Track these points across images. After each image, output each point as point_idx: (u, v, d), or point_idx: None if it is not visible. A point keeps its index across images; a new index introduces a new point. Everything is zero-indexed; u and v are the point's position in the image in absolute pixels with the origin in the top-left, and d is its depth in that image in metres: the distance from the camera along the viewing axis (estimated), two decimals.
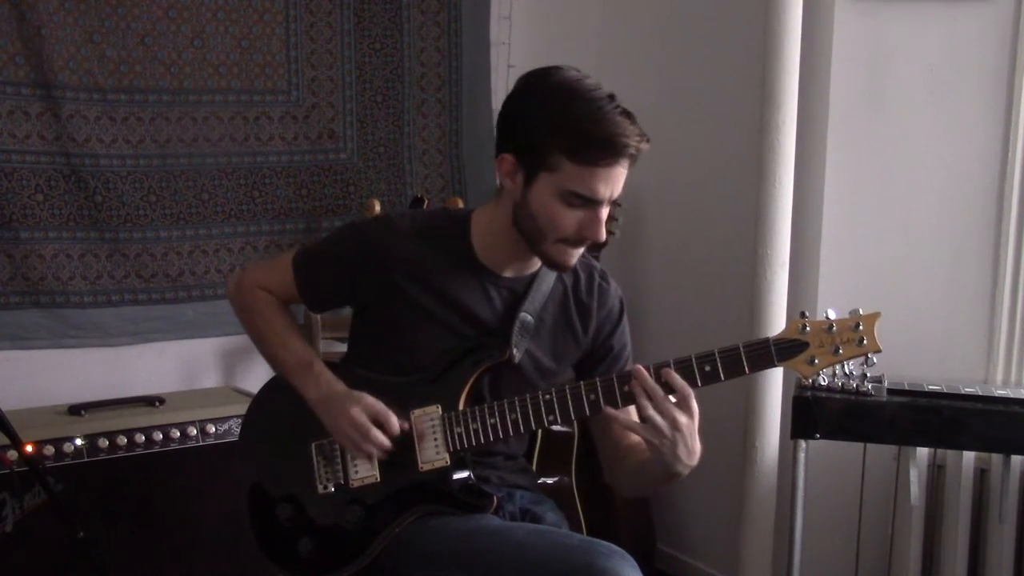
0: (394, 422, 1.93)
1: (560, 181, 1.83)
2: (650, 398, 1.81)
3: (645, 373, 1.82)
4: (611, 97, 1.83)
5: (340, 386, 1.97)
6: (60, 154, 2.98)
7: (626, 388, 1.86)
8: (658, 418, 1.80)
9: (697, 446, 1.83)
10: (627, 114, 1.83)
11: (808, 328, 1.83)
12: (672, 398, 1.81)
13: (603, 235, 1.87)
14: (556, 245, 1.89)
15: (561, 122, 1.82)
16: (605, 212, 1.86)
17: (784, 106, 2.88)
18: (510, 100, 1.92)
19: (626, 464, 2.04)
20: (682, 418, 1.79)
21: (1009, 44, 2.77)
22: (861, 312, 1.82)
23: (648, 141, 1.84)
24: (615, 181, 1.83)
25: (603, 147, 1.80)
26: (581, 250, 1.92)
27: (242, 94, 3.22)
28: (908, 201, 2.90)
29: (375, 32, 3.39)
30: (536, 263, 2.00)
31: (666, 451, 1.82)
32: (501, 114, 1.93)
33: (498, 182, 1.94)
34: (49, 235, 2.99)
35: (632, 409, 2.04)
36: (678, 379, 1.82)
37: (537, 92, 1.87)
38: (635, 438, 2.06)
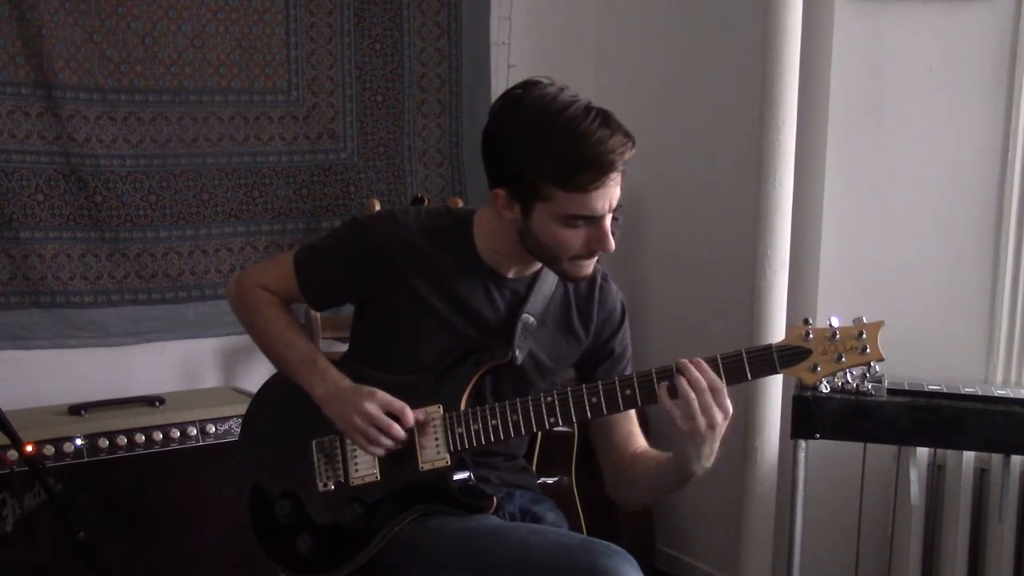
0: (409, 415, 1.93)
1: (557, 208, 1.83)
2: (696, 392, 1.78)
3: (691, 366, 1.80)
4: (587, 109, 1.80)
5: (347, 381, 1.97)
6: (60, 154, 2.98)
7: (628, 392, 1.86)
8: (699, 414, 1.78)
9: (717, 448, 1.83)
10: (606, 122, 1.80)
11: (811, 335, 1.82)
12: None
13: (612, 245, 1.86)
14: (569, 263, 1.89)
15: (544, 154, 1.80)
16: (609, 221, 1.86)
17: (784, 106, 2.88)
18: (490, 134, 1.89)
19: (634, 472, 2.04)
20: (718, 417, 1.78)
21: (1009, 44, 2.77)
22: (865, 320, 1.82)
23: (634, 143, 1.82)
24: (611, 194, 1.83)
25: (591, 170, 1.78)
26: (595, 259, 1.92)
27: (242, 94, 3.22)
28: (908, 201, 2.90)
29: (375, 32, 3.39)
30: (538, 264, 2.00)
31: (692, 450, 1.81)
32: (484, 148, 1.91)
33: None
34: (49, 235, 2.99)
35: (632, 414, 2.05)
36: (714, 375, 1.80)
37: (513, 123, 1.85)
38: (639, 447, 2.06)
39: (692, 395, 1.78)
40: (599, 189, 1.80)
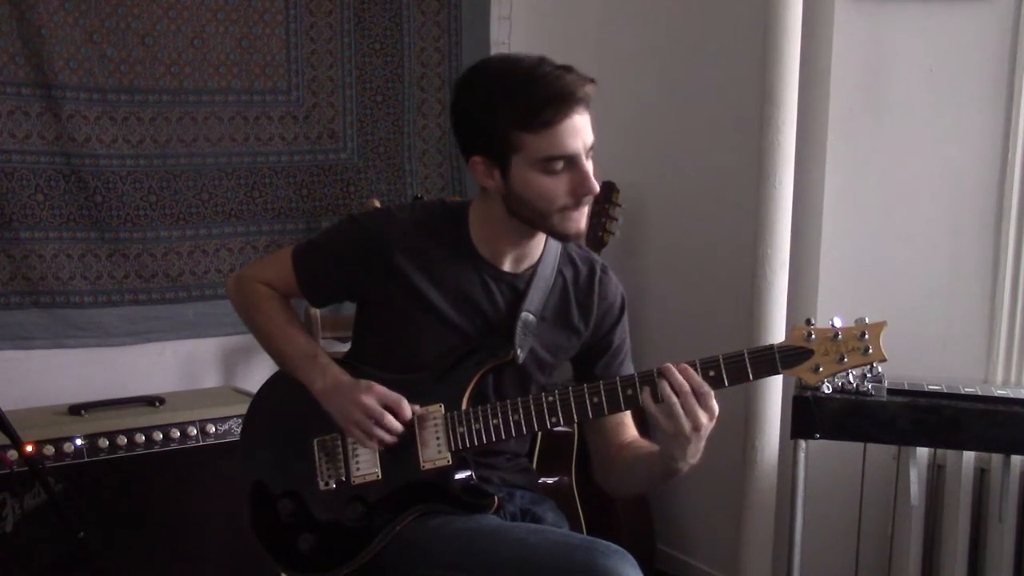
0: (406, 407, 1.93)
1: (531, 155, 1.84)
2: (678, 395, 1.79)
3: (675, 370, 1.81)
4: (542, 59, 1.85)
5: (346, 377, 1.97)
6: (60, 154, 2.99)
7: (629, 392, 1.86)
8: (683, 417, 1.79)
9: (702, 447, 1.84)
10: (563, 67, 1.84)
11: (813, 336, 1.82)
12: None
13: (596, 186, 1.87)
14: (559, 216, 1.88)
15: (504, 103, 1.83)
16: (589, 165, 1.86)
17: (784, 106, 2.88)
18: (454, 106, 1.94)
19: (621, 462, 2.04)
20: (703, 419, 1.79)
21: (1009, 44, 2.77)
22: (867, 320, 1.82)
23: (593, 81, 1.84)
24: (581, 130, 1.84)
25: (551, 104, 1.81)
26: (586, 211, 1.91)
27: (242, 94, 3.22)
28: (908, 201, 2.90)
29: (375, 32, 3.39)
30: (535, 255, 2.00)
31: (677, 450, 1.83)
32: (452, 123, 1.95)
33: (479, 184, 1.95)
34: (49, 235, 2.99)
35: (624, 414, 2.05)
36: (699, 379, 1.81)
37: (473, 88, 1.90)
38: (629, 437, 2.07)
39: (675, 399, 1.79)
40: (564, 121, 1.81)
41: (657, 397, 1.83)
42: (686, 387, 1.79)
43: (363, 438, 1.94)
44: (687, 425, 1.79)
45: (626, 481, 2.11)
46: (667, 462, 1.87)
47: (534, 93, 1.81)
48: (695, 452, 1.83)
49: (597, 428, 2.08)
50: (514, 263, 2.00)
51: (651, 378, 1.84)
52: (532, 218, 1.91)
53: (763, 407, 2.95)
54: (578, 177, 1.85)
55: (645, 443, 2.04)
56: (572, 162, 1.84)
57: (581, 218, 1.91)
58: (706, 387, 1.80)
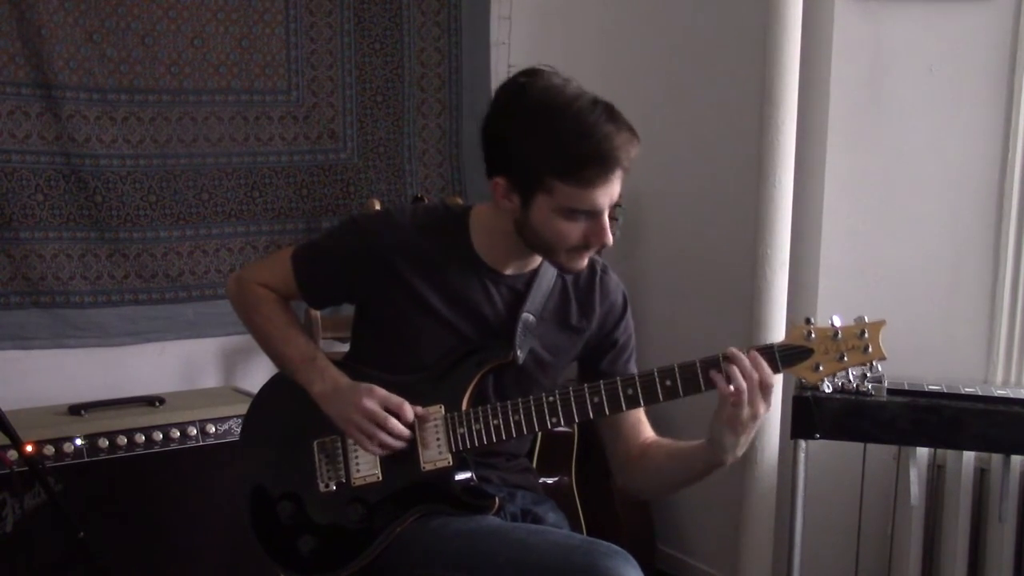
0: (408, 411, 1.93)
1: (558, 201, 1.83)
2: (747, 380, 1.79)
3: (745, 358, 1.80)
4: (594, 102, 1.81)
5: (345, 379, 1.97)
6: (60, 154, 2.98)
7: (630, 391, 1.87)
8: (745, 405, 1.79)
9: (750, 439, 1.85)
10: (612, 117, 1.80)
11: (813, 335, 1.82)
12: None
13: (610, 239, 1.87)
14: (566, 254, 1.89)
15: (549, 146, 1.79)
16: (607, 216, 1.86)
17: (784, 106, 2.88)
18: (492, 122, 1.89)
19: (647, 461, 2.03)
20: (762, 409, 1.80)
21: (1009, 44, 2.77)
22: (867, 319, 1.82)
23: (639, 140, 1.82)
24: (612, 190, 1.83)
25: (595, 165, 1.79)
26: (592, 252, 1.92)
27: (242, 94, 3.22)
28: (908, 201, 2.90)
29: (375, 32, 3.39)
30: (536, 260, 2.00)
31: (731, 439, 1.83)
32: (485, 136, 1.90)
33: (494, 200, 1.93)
34: (49, 235, 2.99)
35: (639, 412, 2.04)
36: (767, 368, 1.81)
37: (518, 113, 1.84)
38: (648, 435, 2.07)
39: (743, 383, 1.79)
40: (603, 186, 1.81)
41: (656, 396, 1.84)
42: (755, 376, 1.79)
43: (364, 442, 1.94)
44: (748, 412, 1.79)
45: (658, 480, 2.09)
46: (716, 453, 1.87)
47: (583, 148, 1.77)
48: (745, 443, 1.85)
49: (613, 430, 2.07)
50: (515, 268, 2.01)
51: (651, 378, 1.85)
52: (539, 247, 1.92)
53: None
54: (596, 228, 1.85)
55: (672, 441, 2.04)
56: (594, 216, 1.84)
57: (586, 258, 1.92)
58: (771, 377, 1.80)
